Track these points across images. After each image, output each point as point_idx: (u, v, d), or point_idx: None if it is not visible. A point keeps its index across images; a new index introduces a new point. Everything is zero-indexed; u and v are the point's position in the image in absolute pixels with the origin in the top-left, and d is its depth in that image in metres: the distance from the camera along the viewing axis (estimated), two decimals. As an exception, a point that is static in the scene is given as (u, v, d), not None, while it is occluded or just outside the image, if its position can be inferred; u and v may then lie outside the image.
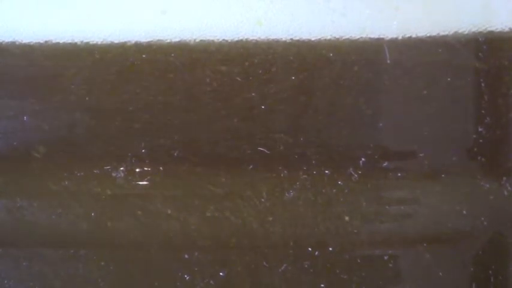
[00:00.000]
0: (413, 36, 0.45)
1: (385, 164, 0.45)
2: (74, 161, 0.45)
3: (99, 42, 0.44)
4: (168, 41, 0.44)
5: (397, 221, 0.45)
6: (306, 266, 0.45)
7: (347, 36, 0.44)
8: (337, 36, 0.44)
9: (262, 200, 0.45)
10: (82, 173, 0.45)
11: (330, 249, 0.45)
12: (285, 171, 0.45)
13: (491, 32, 0.46)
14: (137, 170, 0.45)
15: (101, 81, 0.45)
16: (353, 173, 0.45)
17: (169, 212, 0.45)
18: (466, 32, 0.45)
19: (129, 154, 0.45)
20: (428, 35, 0.45)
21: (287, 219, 0.45)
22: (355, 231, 0.45)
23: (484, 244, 0.46)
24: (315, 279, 0.45)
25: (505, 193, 0.46)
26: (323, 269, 0.45)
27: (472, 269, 0.46)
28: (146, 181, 0.45)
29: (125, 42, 0.44)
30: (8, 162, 0.46)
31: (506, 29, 0.46)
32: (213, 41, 0.44)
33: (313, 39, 0.44)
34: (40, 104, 0.45)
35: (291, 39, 0.44)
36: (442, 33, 0.45)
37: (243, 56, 0.44)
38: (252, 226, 0.45)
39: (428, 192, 0.46)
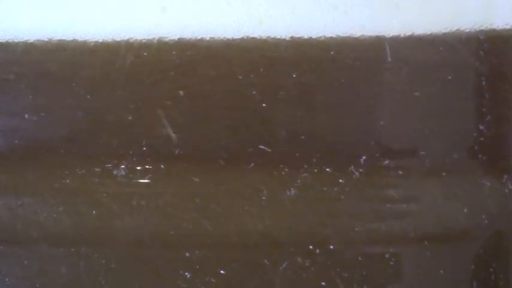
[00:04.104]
0: (415, 34, 0.45)
1: (386, 162, 0.45)
2: (75, 158, 0.45)
3: (99, 40, 0.44)
4: (169, 38, 0.44)
5: (398, 219, 0.45)
6: (307, 264, 0.45)
7: (348, 34, 0.44)
8: (338, 34, 0.44)
9: (263, 198, 0.45)
10: (83, 171, 0.45)
11: (331, 247, 0.45)
12: (286, 169, 0.45)
13: (492, 30, 0.46)
14: (138, 168, 0.45)
15: (102, 79, 0.44)
16: (354, 171, 0.45)
17: (170, 210, 0.45)
18: (467, 30, 0.45)
19: (130, 152, 0.45)
20: (429, 33, 0.45)
21: (288, 217, 0.45)
22: (356, 229, 0.45)
23: (485, 242, 0.46)
24: (315, 278, 0.45)
25: (506, 191, 0.46)
26: (324, 267, 0.45)
27: (473, 267, 0.46)
28: (147, 179, 0.45)
29: (126, 40, 0.44)
30: (9, 160, 0.46)
31: (508, 27, 0.46)
32: (213, 38, 0.44)
33: (314, 37, 0.44)
34: (41, 102, 0.45)
35: (292, 37, 0.44)
36: (443, 31, 0.45)
37: (244, 54, 0.44)
38: (253, 224, 0.45)
39: (429, 191, 0.46)
